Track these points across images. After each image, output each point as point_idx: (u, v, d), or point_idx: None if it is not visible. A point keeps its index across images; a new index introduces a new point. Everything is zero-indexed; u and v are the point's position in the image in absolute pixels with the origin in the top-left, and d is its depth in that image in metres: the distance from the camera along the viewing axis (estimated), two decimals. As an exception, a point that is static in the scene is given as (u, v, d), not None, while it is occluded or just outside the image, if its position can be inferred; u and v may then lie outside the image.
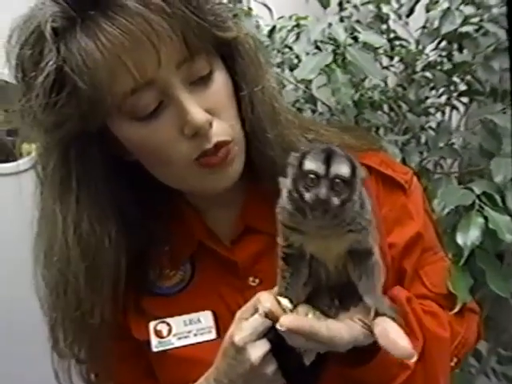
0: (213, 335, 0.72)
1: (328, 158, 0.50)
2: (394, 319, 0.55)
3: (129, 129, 0.62)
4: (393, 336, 0.52)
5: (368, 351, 0.57)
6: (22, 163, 1.97)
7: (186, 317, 0.73)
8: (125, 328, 0.75)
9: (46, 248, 0.69)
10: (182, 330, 0.73)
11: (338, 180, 0.50)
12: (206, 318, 0.73)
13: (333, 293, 0.59)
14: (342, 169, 0.50)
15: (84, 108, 0.59)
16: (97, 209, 0.67)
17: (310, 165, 0.51)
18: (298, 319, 0.54)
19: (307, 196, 0.50)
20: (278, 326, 0.52)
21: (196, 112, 0.60)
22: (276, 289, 0.60)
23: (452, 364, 0.72)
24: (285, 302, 0.57)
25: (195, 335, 0.73)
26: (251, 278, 0.73)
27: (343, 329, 0.54)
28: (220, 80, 0.64)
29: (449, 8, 1.12)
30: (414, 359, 0.54)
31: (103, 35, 0.55)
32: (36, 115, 0.61)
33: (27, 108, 0.61)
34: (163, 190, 0.70)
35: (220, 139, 0.63)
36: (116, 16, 0.55)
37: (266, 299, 0.57)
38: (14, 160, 2.06)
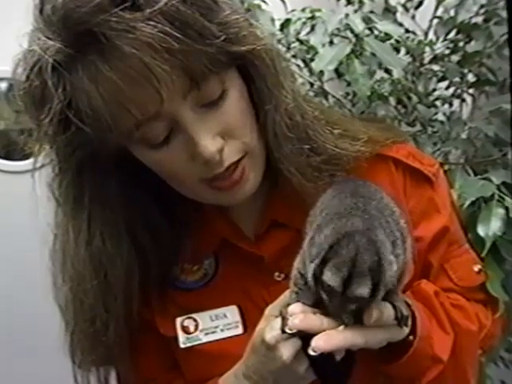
0: (240, 330, 0.72)
1: (350, 275, 0.48)
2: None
3: (143, 154, 0.63)
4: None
5: (400, 347, 0.58)
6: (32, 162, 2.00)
7: (212, 312, 0.73)
8: (151, 323, 0.75)
9: (59, 265, 0.70)
10: (208, 326, 0.73)
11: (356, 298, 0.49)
12: (232, 312, 0.73)
13: None
14: (361, 289, 0.48)
15: (92, 141, 0.59)
16: (109, 226, 0.67)
17: (328, 277, 0.49)
18: (331, 338, 0.52)
19: (326, 303, 0.51)
20: (310, 351, 0.52)
21: (205, 144, 0.59)
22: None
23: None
24: None
25: (222, 330, 0.73)
26: (277, 273, 0.73)
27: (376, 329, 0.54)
28: (234, 97, 0.62)
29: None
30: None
31: (103, 79, 0.54)
32: (48, 142, 0.62)
33: (40, 136, 0.61)
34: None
35: (232, 160, 0.62)
36: (113, 59, 0.53)
37: (293, 310, 0.56)
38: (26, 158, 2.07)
